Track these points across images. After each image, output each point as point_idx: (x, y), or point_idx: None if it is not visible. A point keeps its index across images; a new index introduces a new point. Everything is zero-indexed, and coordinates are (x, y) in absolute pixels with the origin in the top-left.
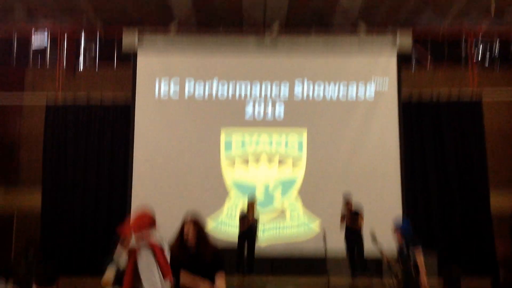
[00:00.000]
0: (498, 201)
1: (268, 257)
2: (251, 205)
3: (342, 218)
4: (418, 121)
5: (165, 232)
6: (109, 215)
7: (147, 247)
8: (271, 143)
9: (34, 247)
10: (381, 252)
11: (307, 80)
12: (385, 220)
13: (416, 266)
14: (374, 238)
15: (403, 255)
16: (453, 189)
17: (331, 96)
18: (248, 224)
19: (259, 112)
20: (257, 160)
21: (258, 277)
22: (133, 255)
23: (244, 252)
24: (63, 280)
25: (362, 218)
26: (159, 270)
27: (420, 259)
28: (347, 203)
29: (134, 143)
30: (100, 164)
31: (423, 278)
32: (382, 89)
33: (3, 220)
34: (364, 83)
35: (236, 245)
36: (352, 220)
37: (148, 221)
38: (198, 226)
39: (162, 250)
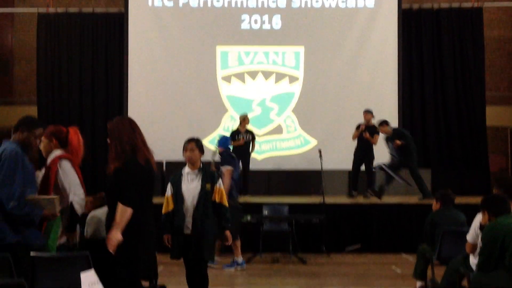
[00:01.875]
0: (494, 110)
1: (264, 170)
2: (242, 118)
3: (358, 127)
4: (418, 30)
5: (162, 146)
6: (105, 129)
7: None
8: (267, 61)
9: None
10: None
11: None
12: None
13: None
14: (214, 154)
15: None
16: (450, 101)
17: (330, 4)
18: (240, 141)
19: (256, 21)
20: (253, 77)
21: (253, 197)
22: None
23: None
24: None
25: (378, 134)
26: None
27: (225, 178)
28: (366, 114)
29: (129, 53)
30: (95, 76)
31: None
32: None
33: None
34: None
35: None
36: (367, 132)
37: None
38: (108, 129)
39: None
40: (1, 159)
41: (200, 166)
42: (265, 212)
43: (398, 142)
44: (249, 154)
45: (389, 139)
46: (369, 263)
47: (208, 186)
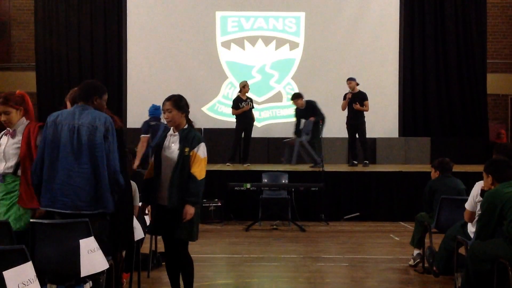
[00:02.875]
0: (494, 78)
1: (264, 137)
2: (242, 85)
3: (345, 97)
4: None
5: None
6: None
7: None
8: (268, 26)
9: None
10: None
11: None
12: (382, 102)
13: None
14: None
15: None
16: (451, 68)
17: None
18: (245, 107)
19: None
20: (253, 43)
21: (253, 165)
22: None
23: (239, 145)
24: None
25: (367, 100)
26: None
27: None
28: (350, 82)
29: (128, 18)
30: (93, 41)
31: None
32: None
33: None
34: None
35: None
36: (357, 102)
37: None
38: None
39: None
40: (105, 127)
41: (185, 126)
42: (265, 180)
43: (312, 118)
44: (252, 121)
45: (301, 113)
46: (367, 231)
47: (186, 150)
